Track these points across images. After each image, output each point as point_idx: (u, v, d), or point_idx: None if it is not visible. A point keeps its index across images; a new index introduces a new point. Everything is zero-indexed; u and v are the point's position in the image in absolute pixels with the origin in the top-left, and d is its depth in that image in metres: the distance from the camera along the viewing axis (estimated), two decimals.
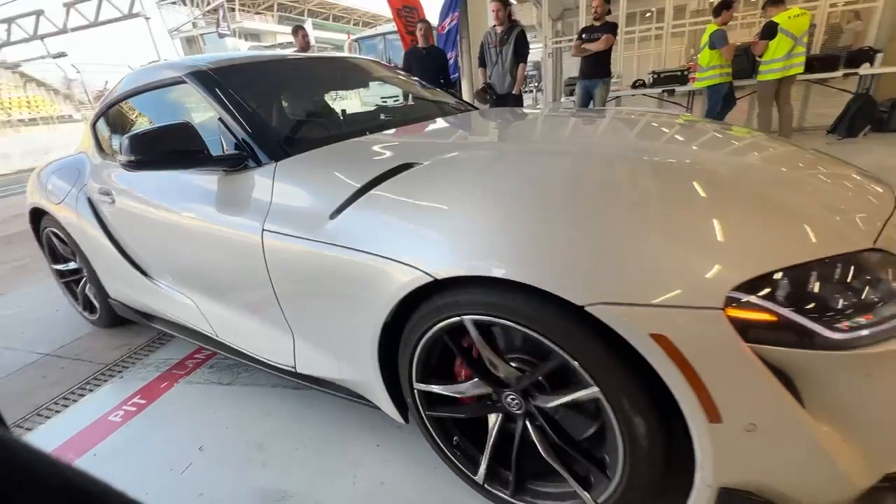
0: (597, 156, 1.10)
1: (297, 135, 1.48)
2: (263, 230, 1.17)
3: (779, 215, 0.80)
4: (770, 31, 4.26)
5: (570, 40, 7.10)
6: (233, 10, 32.55)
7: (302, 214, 1.13)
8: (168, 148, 1.24)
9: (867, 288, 0.72)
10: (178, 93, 1.63)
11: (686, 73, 5.88)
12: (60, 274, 2.34)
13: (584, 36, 5.00)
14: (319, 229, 1.07)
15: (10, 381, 1.87)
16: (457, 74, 6.47)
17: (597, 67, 4.99)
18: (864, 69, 5.03)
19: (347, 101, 2.19)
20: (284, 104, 1.85)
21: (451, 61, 6.38)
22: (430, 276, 0.87)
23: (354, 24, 45.52)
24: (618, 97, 6.34)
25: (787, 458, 0.74)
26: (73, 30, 13.52)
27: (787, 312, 0.69)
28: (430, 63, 4.48)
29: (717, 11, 4.77)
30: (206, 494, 1.20)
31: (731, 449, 0.75)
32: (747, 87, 5.26)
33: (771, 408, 0.71)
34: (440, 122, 1.72)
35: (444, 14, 6.05)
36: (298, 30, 4.73)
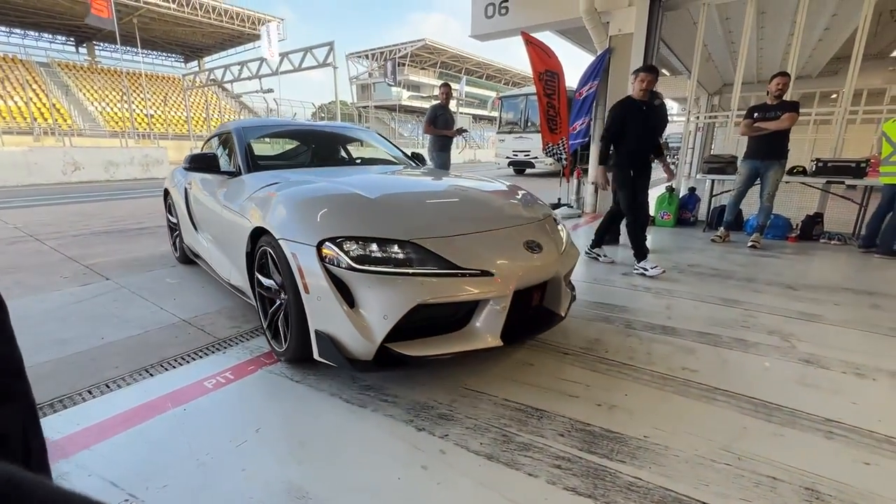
0: (345, 188, 2.09)
1: (258, 163, 2.74)
2: (223, 204, 2.50)
3: (370, 215, 1.85)
4: None
5: (727, 116, 6.60)
6: (403, 65, 37.60)
7: (234, 198, 2.39)
8: (202, 163, 2.63)
9: (385, 251, 1.68)
10: (230, 137, 3.02)
11: (865, 164, 4.96)
12: (171, 229, 3.87)
13: (755, 115, 4.62)
14: (237, 205, 2.32)
15: (153, 334, 2.37)
16: (587, 139, 6.48)
17: (774, 148, 4.51)
18: None
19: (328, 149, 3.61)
20: (268, 148, 3.53)
21: (584, 126, 6.45)
22: (253, 225, 2.05)
23: (505, 84, 48.73)
24: None
25: (333, 318, 1.66)
26: (282, 73, 17.04)
27: (338, 252, 1.65)
28: (650, 116, 3.72)
29: None
30: (247, 471, 1.36)
31: (314, 308, 1.71)
32: None
33: (325, 291, 1.65)
34: (339, 168, 3.11)
35: (583, 81, 6.19)
36: (443, 85, 5.36)
